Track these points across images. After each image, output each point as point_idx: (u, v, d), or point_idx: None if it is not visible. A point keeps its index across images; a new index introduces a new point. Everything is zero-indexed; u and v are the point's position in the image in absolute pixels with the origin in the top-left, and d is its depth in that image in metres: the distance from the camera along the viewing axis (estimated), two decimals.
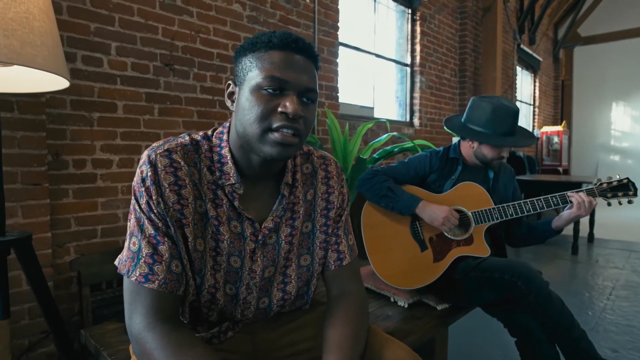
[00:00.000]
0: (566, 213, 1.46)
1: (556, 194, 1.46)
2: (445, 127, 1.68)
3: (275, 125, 0.72)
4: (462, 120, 1.62)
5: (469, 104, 1.63)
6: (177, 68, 2.14)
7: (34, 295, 1.25)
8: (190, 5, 2.19)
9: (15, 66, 1.08)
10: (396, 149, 2.82)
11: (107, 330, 1.33)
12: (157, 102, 2.06)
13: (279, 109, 0.72)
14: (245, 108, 0.73)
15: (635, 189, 1.44)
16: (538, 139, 7.43)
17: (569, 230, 4.55)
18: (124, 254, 0.75)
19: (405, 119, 4.31)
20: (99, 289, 1.81)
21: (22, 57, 0.94)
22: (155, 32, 2.04)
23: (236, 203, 0.79)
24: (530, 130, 7.61)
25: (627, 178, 1.45)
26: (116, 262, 0.77)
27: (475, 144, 1.56)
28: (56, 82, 1.16)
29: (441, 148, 1.65)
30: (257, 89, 0.73)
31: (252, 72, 0.74)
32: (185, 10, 2.17)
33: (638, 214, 5.91)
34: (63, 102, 1.75)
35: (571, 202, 1.43)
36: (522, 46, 6.41)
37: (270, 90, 0.72)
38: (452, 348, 1.86)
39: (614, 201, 1.45)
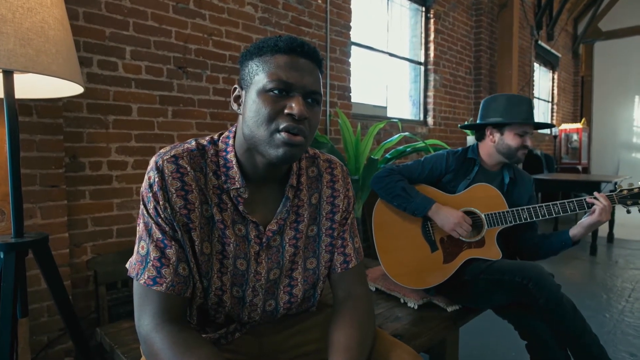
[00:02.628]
0: (586, 220, 1.41)
1: (573, 199, 1.42)
2: (459, 126, 1.68)
3: (282, 126, 0.73)
4: (478, 121, 1.61)
5: (481, 105, 1.62)
6: (190, 71, 2.17)
7: (50, 294, 1.29)
8: (202, 8, 2.21)
9: (31, 73, 1.11)
10: (409, 149, 2.80)
11: (121, 328, 1.36)
12: (171, 104, 2.10)
13: (286, 111, 0.73)
14: (252, 110, 0.75)
15: None
16: (556, 135, 7.27)
17: None
18: (133, 258, 0.78)
19: (419, 118, 4.28)
20: (114, 287, 1.86)
21: (38, 65, 0.97)
22: (169, 35, 2.08)
23: (240, 207, 0.81)
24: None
25: None
26: (127, 265, 0.80)
27: (497, 137, 1.54)
28: (71, 88, 1.20)
29: (459, 148, 1.64)
30: (263, 92, 0.74)
31: (259, 76, 0.75)
32: (198, 13, 2.20)
33: None
34: (79, 106, 1.80)
35: (593, 206, 1.38)
36: (540, 42, 6.28)
37: (276, 92, 0.74)
38: (463, 350, 1.85)
39: (634, 209, 1.40)
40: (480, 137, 1.60)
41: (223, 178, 0.81)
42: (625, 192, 1.40)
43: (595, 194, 1.41)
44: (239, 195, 0.81)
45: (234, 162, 0.81)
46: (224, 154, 0.82)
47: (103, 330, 1.34)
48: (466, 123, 1.73)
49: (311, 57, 0.78)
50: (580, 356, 1.27)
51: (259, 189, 0.84)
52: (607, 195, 1.39)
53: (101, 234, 1.88)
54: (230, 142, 0.83)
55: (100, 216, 1.88)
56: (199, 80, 2.22)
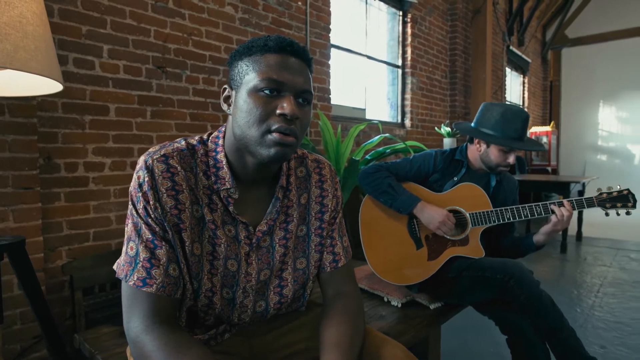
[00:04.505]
0: (544, 228, 1.46)
1: (555, 202, 1.46)
2: (454, 124, 1.69)
3: (274, 127, 0.73)
4: (473, 124, 1.64)
5: (480, 107, 1.64)
6: (170, 70, 2.14)
7: (27, 299, 1.24)
8: (182, 7, 2.18)
9: (7, 70, 1.07)
10: (388, 150, 2.84)
11: (101, 334, 1.32)
12: (150, 104, 2.06)
13: (277, 111, 0.73)
14: (243, 110, 0.74)
15: (635, 201, 1.43)
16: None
17: None
18: (121, 259, 0.76)
19: (397, 120, 4.34)
20: (91, 292, 1.81)
21: (16, 62, 0.94)
22: (148, 34, 2.04)
23: (231, 208, 0.80)
24: None
25: (628, 189, 1.44)
26: (114, 267, 0.78)
27: (483, 147, 1.56)
28: (50, 86, 1.16)
29: (448, 148, 1.67)
30: (254, 91, 0.74)
31: (249, 75, 0.75)
32: (177, 12, 2.17)
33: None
34: (54, 105, 1.74)
35: (554, 213, 1.43)
36: (511, 48, 6.49)
37: (267, 92, 0.73)
38: (445, 346, 1.88)
39: (612, 211, 1.44)
40: (471, 140, 1.62)
41: (213, 178, 0.80)
42: (604, 195, 1.45)
43: (564, 201, 1.44)
44: (229, 196, 0.80)
45: (224, 163, 0.80)
46: (213, 154, 0.82)
47: (82, 336, 1.29)
48: (461, 122, 1.73)
49: (301, 56, 0.78)
50: (559, 349, 1.32)
51: (248, 190, 0.84)
52: (587, 199, 1.43)
53: (77, 237, 1.82)
54: (220, 142, 0.82)
55: (76, 219, 1.82)
56: (179, 80, 2.18)
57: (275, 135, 0.73)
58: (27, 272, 1.21)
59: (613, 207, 1.43)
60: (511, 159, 1.52)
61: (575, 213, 4.65)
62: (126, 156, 1.97)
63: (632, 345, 2.11)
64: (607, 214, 1.47)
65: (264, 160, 0.75)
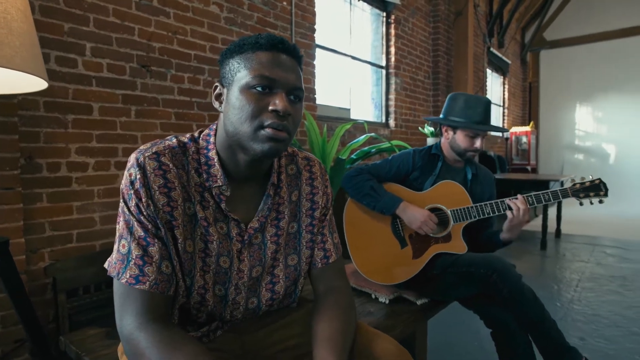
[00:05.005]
0: (505, 225, 1.50)
1: (532, 194, 1.49)
2: (424, 118, 1.73)
3: (266, 123, 0.74)
4: (441, 115, 1.69)
5: (446, 100, 1.70)
6: (154, 69, 2.12)
7: (11, 302, 1.21)
8: (167, 6, 2.17)
9: None
10: (373, 150, 2.87)
11: (87, 335, 1.31)
12: (134, 104, 2.03)
13: (270, 107, 0.74)
14: (235, 107, 0.75)
15: (606, 190, 1.48)
16: (507, 137, 7.67)
17: (537, 227, 4.74)
18: (113, 257, 0.75)
19: (381, 120, 4.38)
20: (75, 294, 1.78)
21: (1, 59, 0.92)
22: (132, 33, 2.02)
23: (223, 205, 0.81)
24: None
25: (599, 179, 1.49)
26: (105, 265, 0.77)
27: (450, 134, 1.62)
28: (34, 84, 1.14)
29: (425, 146, 1.71)
30: (246, 88, 0.75)
31: (241, 73, 0.76)
32: (162, 11, 2.15)
33: (601, 210, 6.19)
34: (36, 104, 1.70)
35: (510, 208, 1.47)
36: (491, 49, 6.61)
37: (259, 89, 0.74)
38: (431, 341, 1.92)
39: (585, 201, 1.48)
40: (440, 132, 1.67)
41: (205, 176, 0.81)
42: (577, 186, 1.50)
43: (518, 196, 1.47)
44: (221, 193, 0.81)
45: (215, 160, 0.81)
46: (205, 151, 0.82)
47: (67, 338, 1.28)
48: (431, 117, 1.79)
49: (292, 54, 0.79)
50: (541, 340, 1.36)
51: (240, 187, 0.84)
52: (562, 190, 1.48)
53: (60, 238, 1.79)
54: (212, 139, 0.83)
55: (59, 220, 1.78)
56: (164, 79, 2.16)
57: (268, 130, 0.74)
58: (11, 273, 1.18)
59: (586, 196, 1.48)
60: (477, 144, 1.57)
61: (554, 211, 4.78)
62: (110, 156, 1.94)
63: (609, 336, 2.18)
64: (581, 204, 1.51)
65: (257, 156, 0.76)
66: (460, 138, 1.59)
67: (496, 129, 1.64)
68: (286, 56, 0.78)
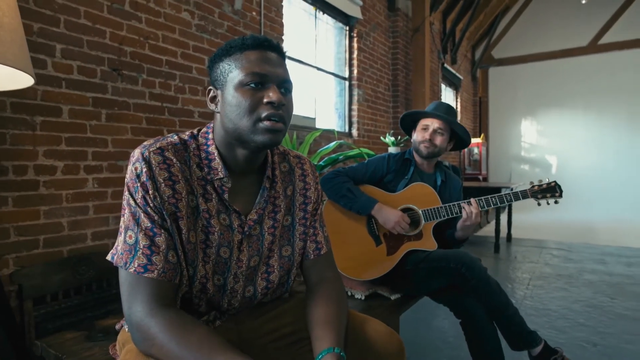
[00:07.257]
0: (458, 225, 1.62)
1: (496, 195, 1.61)
2: (402, 115, 1.84)
3: (263, 115, 0.80)
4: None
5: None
6: (126, 73, 2.10)
7: None
8: (139, 11, 2.16)
9: None
10: (341, 157, 2.96)
11: (65, 339, 1.28)
12: (105, 107, 2.00)
13: (265, 100, 0.80)
14: (232, 105, 0.80)
15: (561, 191, 1.63)
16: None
17: (491, 232, 5.04)
18: (118, 248, 0.77)
19: (345, 129, 4.51)
20: (43, 302, 1.71)
21: None
22: (103, 36, 1.99)
23: (225, 196, 0.85)
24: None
25: (555, 181, 1.63)
26: (108, 257, 0.79)
27: (413, 135, 1.78)
28: (21, 80, 1.12)
29: (400, 152, 1.81)
30: (240, 86, 0.80)
31: (233, 73, 0.81)
32: (134, 15, 2.14)
33: (547, 216, 6.67)
34: (2, 105, 1.65)
35: (464, 209, 1.58)
36: (445, 65, 6.99)
37: (252, 85, 0.80)
38: (402, 334, 2.00)
39: (543, 202, 1.62)
40: (402, 141, 1.82)
41: (206, 170, 0.85)
42: (536, 187, 1.65)
43: (471, 200, 1.59)
44: (222, 185, 0.85)
45: (216, 154, 0.85)
46: (205, 147, 0.86)
47: (45, 342, 1.24)
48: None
49: (277, 50, 0.86)
50: (506, 326, 1.49)
51: (238, 180, 0.89)
52: (522, 191, 1.62)
53: (26, 244, 1.72)
54: (210, 136, 0.87)
55: (25, 225, 1.72)
56: (135, 83, 2.15)
57: (266, 123, 0.80)
58: None
59: (544, 197, 1.62)
60: (427, 134, 1.69)
61: (505, 217, 5.10)
62: (80, 159, 1.90)
63: (559, 327, 2.38)
64: (539, 204, 1.65)
65: (259, 146, 0.81)
66: (416, 133, 1.75)
67: (443, 117, 1.68)
68: (272, 53, 0.84)
